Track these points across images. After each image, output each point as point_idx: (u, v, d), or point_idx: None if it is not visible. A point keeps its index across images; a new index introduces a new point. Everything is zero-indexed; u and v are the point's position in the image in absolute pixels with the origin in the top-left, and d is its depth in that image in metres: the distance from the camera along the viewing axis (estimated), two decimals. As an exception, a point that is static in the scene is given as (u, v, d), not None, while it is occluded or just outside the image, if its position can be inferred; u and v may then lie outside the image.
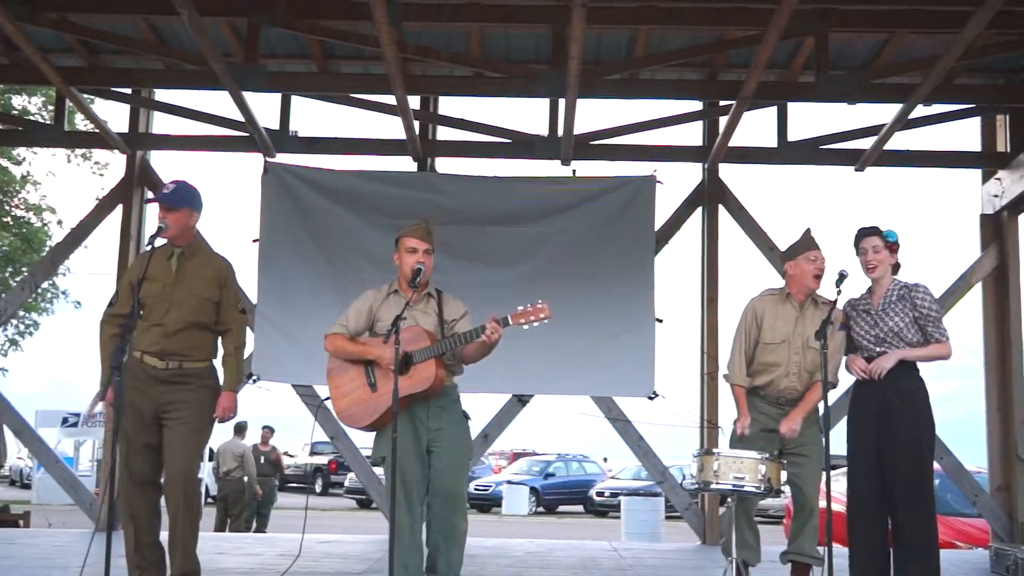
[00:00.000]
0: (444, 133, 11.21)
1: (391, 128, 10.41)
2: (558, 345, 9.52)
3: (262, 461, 16.89)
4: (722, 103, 10.50)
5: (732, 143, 10.35)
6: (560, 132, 10.18)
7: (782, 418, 6.34)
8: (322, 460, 31.87)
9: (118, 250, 10.93)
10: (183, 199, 5.88)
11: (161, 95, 11.17)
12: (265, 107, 10.70)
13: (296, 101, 10.87)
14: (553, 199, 10.43)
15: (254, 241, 10.41)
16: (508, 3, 9.07)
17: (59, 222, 25.86)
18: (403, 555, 5.40)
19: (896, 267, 6.19)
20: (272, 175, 10.46)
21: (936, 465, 6.88)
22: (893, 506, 5.94)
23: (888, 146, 10.26)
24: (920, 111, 10.03)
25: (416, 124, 10.38)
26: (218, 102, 12.13)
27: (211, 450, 18.60)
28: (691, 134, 11.32)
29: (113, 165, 25.44)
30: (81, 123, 19.35)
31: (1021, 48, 9.40)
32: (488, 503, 27.90)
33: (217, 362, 5.95)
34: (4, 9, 8.57)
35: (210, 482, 19.60)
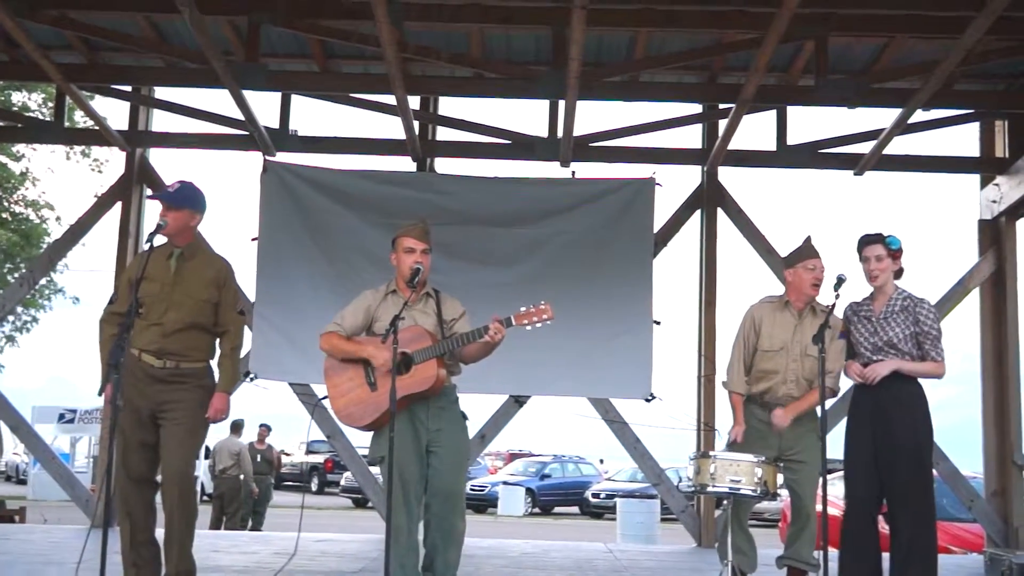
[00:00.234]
0: (444, 133, 11.23)
1: (391, 128, 10.43)
2: (556, 346, 9.52)
3: (258, 459, 16.87)
4: (721, 106, 10.52)
5: (731, 146, 10.36)
6: (560, 133, 10.19)
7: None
8: (318, 459, 31.86)
9: (117, 247, 10.93)
10: (185, 199, 5.87)
11: (161, 93, 11.17)
12: (265, 106, 10.71)
13: (296, 100, 10.89)
14: (552, 200, 10.44)
15: (253, 240, 10.42)
16: (509, 4, 9.08)
17: (57, 219, 25.91)
18: (400, 555, 5.40)
19: (900, 272, 6.18)
20: (272, 174, 10.46)
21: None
22: (891, 511, 5.95)
23: (887, 150, 10.28)
24: (919, 116, 10.06)
25: (416, 124, 10.40)
26: (218, 100, 12.21)
27: (207, 448, 18.56)
28: (690, 137, 11.36)
29: (112, 162, 25.46)
30: (81, 120, 19.35)
31: (1020, 54, 9.41)
32: (484, 504, 27.87)
33: (214, 362, 5.95)
34: (4, 6, 8.58)
35: (206, 480, 19.57)
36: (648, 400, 10.21)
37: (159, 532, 5.84)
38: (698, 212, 10.94)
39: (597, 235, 10.32)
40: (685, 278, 10.94)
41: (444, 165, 11.22)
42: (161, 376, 5.71)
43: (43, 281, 23.49)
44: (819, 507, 5.88)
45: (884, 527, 6.03)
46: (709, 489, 5.96)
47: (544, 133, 10.67)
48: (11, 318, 24.84)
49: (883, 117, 10.17)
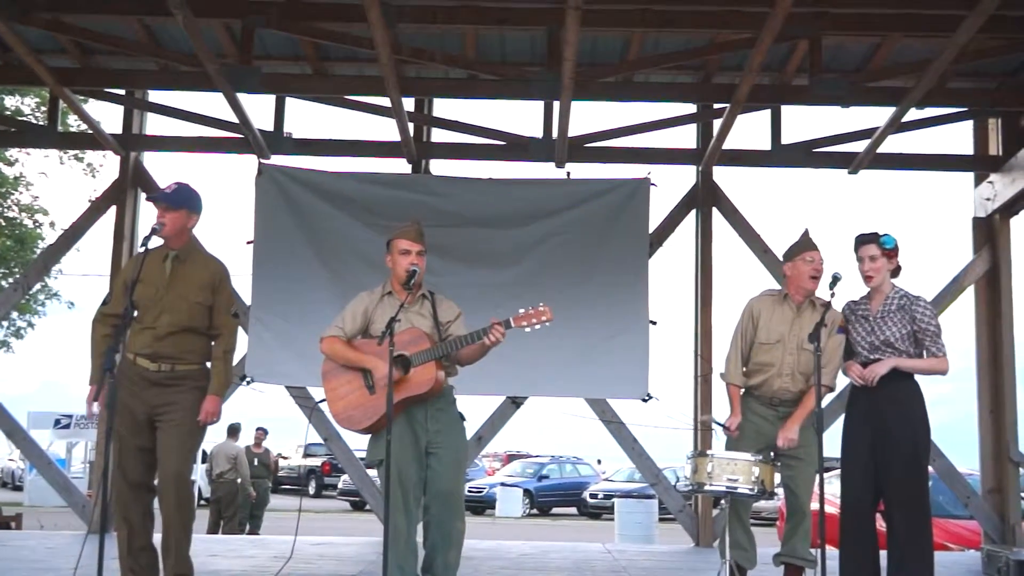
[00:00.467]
0: (438, 135, 11.23)
1: (386, 130, 10.47)
2: (552, 347, 9.50)
3: (255, 463, 16.87)
4: (716, 106, 10.53)
5: (726, 146, 10.37)
6: (554, 134, 10.19)
7: (775, 418, 6.36)
8: (315, 462, 31.87)
9: (112, 251, 10.91)
10: (183, 199, 5.86)
11: (155, 96, 11.18)
12: (259, 109, 10.73)
13: (290, 103, 10.88)
14: (547, 201, 10.43)
15: (248, 243, 10.40)
16: (503, 5, 9.09)
17: (51, 223, 25.88)
18: (399, 557, 5.40)
19: (897, 270, 6.18)
20: (266, 177, 10.44)
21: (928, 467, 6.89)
22: (888, 508, 5.96)
23: (881, 149, 10.30)
24: (913, 114, 10.06)
25: (411, 126, 10.39)
26: (212, 103, 12.14)
27: (204, 452, 18.57)
28: (685, 137, 11.35)
29: (105, 167, 25.43)
30: (74, 124, 19.31)
31: (1013, 52, 9.44)
32: (482, 505, 27.88)
33: (209, 364, 5.94)
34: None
35: (203, 484, 19.56)
36: (645, 400, 10.21)
37: (156, 537, 5.84)
38: (693, 212, 10.94)
39: (592, 236, 10.31)
40: (681, 278, 10.95)
41: (439, 167, 11.22)
42: (156, 379, 5.71)
43: (37, 286, 23.43)
44: (815, 504, 5.88)
45: (882, 524, 6.04)
46: (706, 488, 5.96)
47: (539, 134, 10.67)
48: (5, 323, 24.82)
49: (877, 116, 10.20)
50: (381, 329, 5.39)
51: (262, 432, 17.68)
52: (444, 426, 5.64)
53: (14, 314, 24.95)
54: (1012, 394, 10.76)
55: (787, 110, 10.75)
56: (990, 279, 10.89)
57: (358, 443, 8.59)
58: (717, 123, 10.26)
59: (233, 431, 16.32)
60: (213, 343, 5.92)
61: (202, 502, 19.67)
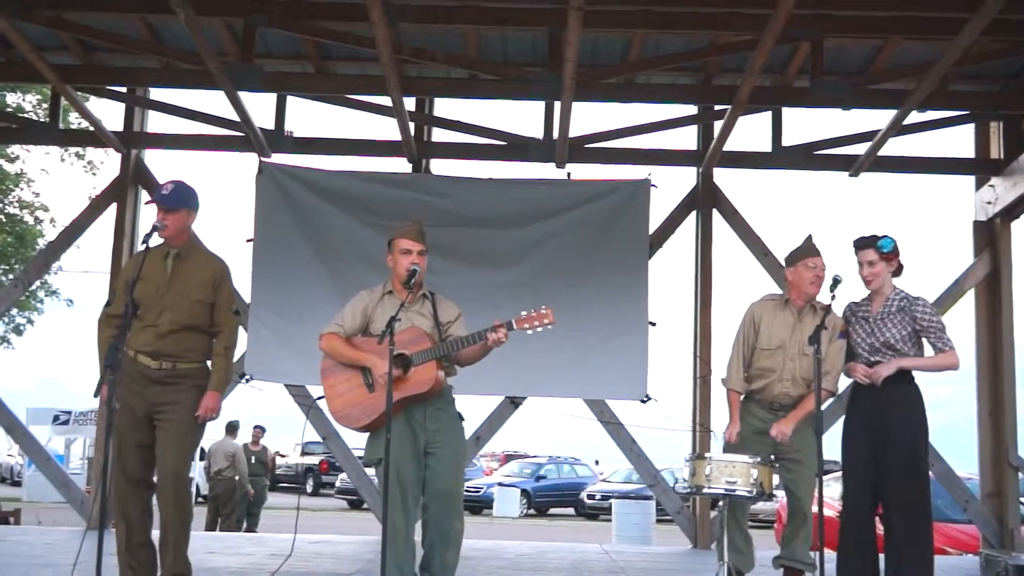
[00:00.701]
0: (439, 135, 11.23)
1: (386, 129, 10.47)
2: (551, 348, 9.48)
3: (252, 461, 16.88)
4: (717, 107, 10.52)
5: (726, 147, 10.37)
6: (555, 135, 10.19)
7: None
8: (313, 460, 31.86)
9: (112, 249, 10.91)
10: (182, 199, 5.87)
11: (156, 94, 11.16)
12: (261, 107, 10.71)
13: (292, 101, 10.88)
14: (548, 202, 10.43)
15: (248, 241, 10.39)
16: (504, 6, 9.08)
17: (52, 220, 25.89)
18: (397, 556, 5.40)
19: (899, 270, 6.17)
20: (267, 175, 10.44)
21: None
22: (887, 511, 5.95)
23: (882, 152, 10.30)
24: (914, 117, 10.06)
25: (411, 126, 10.40)
26: (214, 102, 12.13)
27: (202, 449, 18.58)
28: (686, 138, 11.35)
29: (106, 164, 25.45)
30: (76, 121, 19.33)
31: (1015, 55, 9.43)
32: (479, 505, 27.88)
33: (210, 362, 5.94)
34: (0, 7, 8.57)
35: (201, 481, 19.58)
36: (644, 401, 10.20)
37: (155, 534, 5.84)
38: (693, 213, 10.94)
39: (593, 236, 10.31)
40: (681, 279, 10.94)
41: (440, 166, 11.22)
42: (157, 377, 5.71)
43: (37, 283, 23.45)
44: (815, 507, 5.88)
45: (881, 528, 6.04)
46: (705, 490, 5.97)
47: (540, 134, 10.67)
48: (5, 319, 24.83)
49: (878, 118, 10.19)
50: (381, 328, 5.39)
51: (259, 430, 17.70)
52: (443, 426, 5.64)
53: (14, 310, 24.95)
54: (1012, 398, 10.75)
55: (788, 112, 10.74)
56: (990, 283, 10.89)
57: (356, 442, 8.59)
58: (718, 125, 10.25)
59: (231, 429, 16.33)
60: (214, 340, 5.93)
61: (200, 499, 19.69)
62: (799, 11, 8.12)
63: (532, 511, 28.85)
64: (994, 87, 10.49)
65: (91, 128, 11.03)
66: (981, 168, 11.08)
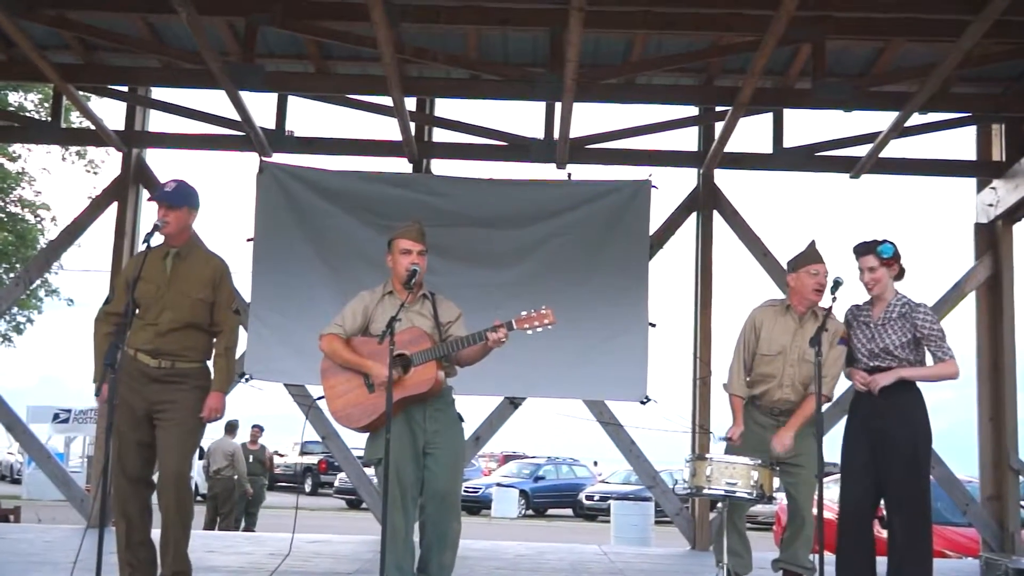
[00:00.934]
0: (440, 135, 11.22)
1: (387, 129, 10.47)
2: (551, 348, 9.48)
3: (251, 460, 16.88)
4: (718, 109, 10.51)
5: (728, 149, 10.37)
6: (556, 135, 10.19)
7: (776, 428, 6.34)
8: (312, 460, 31.85)
9: (113, 248, 10.91)
10: (184, 197, 5.88)
11: (158, 93, 11.15)
12: (262, 107, 10.71)
13: (293, 101, 10.88)
14: (548, 202, 10.43)
15: (248, 240, 10.40)
16: (506, 6, 9.07)
17: (53, 219, 25.90)
18: (396, 557, 5.40)
19: (901, 273, 6.15)
20: (267, 174, 10.44)
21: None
22: (887, 514, 5.94)
23: (883, 154, 10.30)
24: (916, 119, 10.06)
25: (412, 126, 10.39)
26: (215, 101, 12.18)
27: (201, 449, 18.58)
28: (687, 139, 11.36)
29: (107, 163, 25.47)
30: (77, 121, 19.33)
31: (1018, 57, 9.42)
32: (477, 505, 27.86)
33: (211, 363, 5.94)
34: (2, 5, 8.57)
35: (200, 480, 19.57)
36: (643, 403, 10.20)
37: (155, 533, 5.84)
38: (694, 214, 10.94)
39: (593, 237, 10.31)
40: (681, 280, 10.94)
41: (440, 166, 11.22)
42: (157, 376, 5.71)
43: (37, 281, 23.47)
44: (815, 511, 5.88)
45: (881, 531, 6.03)
46: (705, 492, 5.97)
47: (540, 135, 10.66)
48: (6, 317, 24.84)
49: (880, 120, 10.17)
50: (381, 328, 5.39)
51: (258, 429, 17.71)
52: (442, 426, 5.64)
53: (14, 308, 24.96)
54: (1012, 401, 10.74)
55: (789, 113, 10.74)
56: (992, 285, 10.88)
57: (355, 441, 8.59)
58: (719, 126, 10.25)
59: (231, 428, 16.32)
60: (214, 340, 5.93)
61: (199, 498, 19.68)
62: (801, 12, 8.10)
63: (530, 512, 28.84)
64: (996, 89, 10.47)
65: (92, 127, 11.02)
66: (983, 170, 11.08)
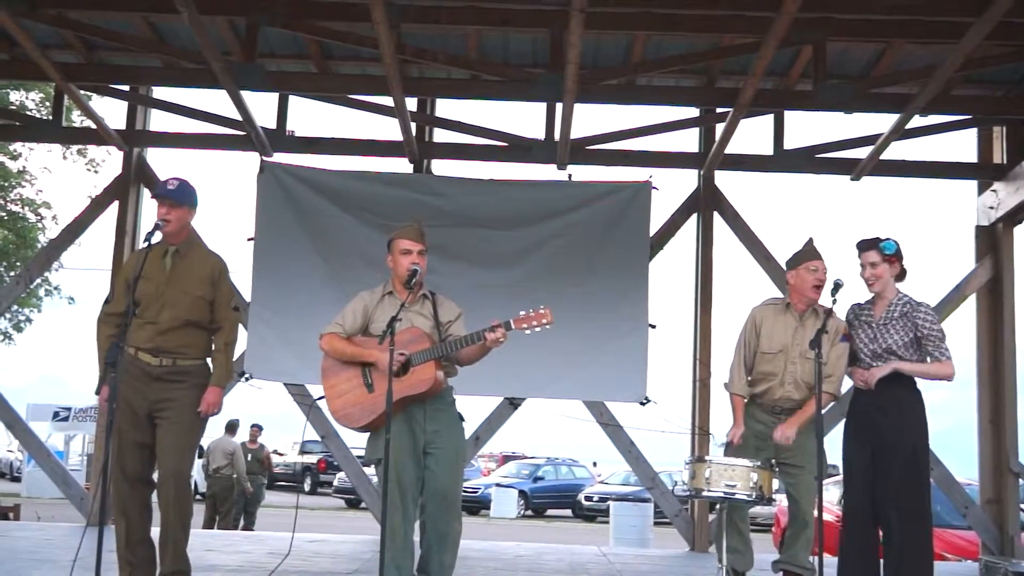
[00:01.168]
0: (441, 135, 11.22)
1: (388, 129, 10.46)
2: (551, 349, 9.49)
3: (250, 459, 16.87)
4: (719, 110, 10.51)
5: (728, 150, 10.37)
6: (557, 136, 10.19)
7: (777, 426, 6.34)
8: (311, 459, 31.85)
9: (113, 247, 10.92)
10: (186, 196, 5.90)
11: (159, 93, 11.15)
12: (263, 106, 10.71)
13: (294, 101, 10.88)
14: (548, 203, 10.43)
15: (249, 240, 10.41)
16: (507, 7, 9.07)
17: (54, 218, 25.90)
18: (396, 557, 5.40)
19: (902, 274, 6.15)
20: (268, 174, 10.45)
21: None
22: (886, 513, 5.92)
23: (884, 156, 10.30)
24: (917, 121, 10.04)
25: (413, 126, 10.39)
26: (216, 101, 12.19)
27: (201, 447, 18.57)
28: (687, 141, 11.37)
29: (108, 162, 25.48)
30: (78, 120, 19.34)
31: (1019, 60, 9.41)
32: (476, 505, 27.85)
33: (210, 360, 5.95)
34: (3, 5, 8.57)
35: (199, 479, 19.58)
36: (643, 404, 10.20)
37: (154, 531, 5.85)
38: (694, 216, 10.94)
39: (593, 238, 10.31)
40: (681, 282, 10.94)
41: (441, 167, 11.22)
42: (158, 374, 5.72)
43: (37, 280, 23.47)
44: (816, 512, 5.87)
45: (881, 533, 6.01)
46: (704, 493, 5.96)
47: (541, 136, 10.67)
48: (7, 316, 24.84)
49: (881, 122, 10.17)
50: (381, 328, 5.40)
51: (257, 428, 17.70)
52: (443, 426, 5.64)
53: (15, 307, 24.96)
54: (1013, 404, 10.73)
55: (790, 115, 10.74)
56: (992, 288, 10.88)
57: (355, 441, 8.58)
58: (720, 127, 10.24)
59: (231, 427, 16.32)
60: (214, 337, 5.93)
61: (197, 497, 19.67)
62: (802, 14, 8.10)
63: (529, 512, 28.84)
64: (997, 92, 10.46)
65: (93, 126, 11.02)
66: (984, 173, 11.07)
